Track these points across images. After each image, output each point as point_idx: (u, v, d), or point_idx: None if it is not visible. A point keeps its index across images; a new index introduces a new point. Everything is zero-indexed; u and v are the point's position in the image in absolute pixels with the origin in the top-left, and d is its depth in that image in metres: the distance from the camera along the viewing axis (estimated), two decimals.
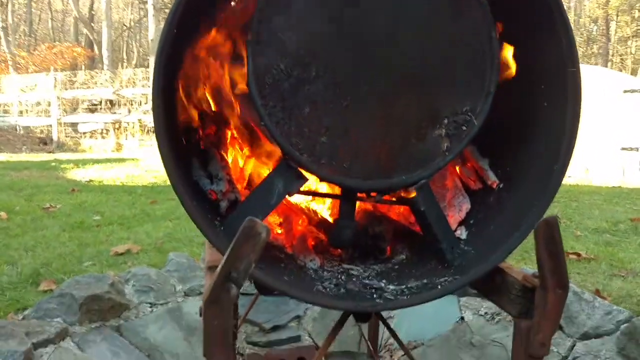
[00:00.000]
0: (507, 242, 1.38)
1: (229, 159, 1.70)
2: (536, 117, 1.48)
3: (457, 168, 1.66)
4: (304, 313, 2.93)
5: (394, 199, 1.48)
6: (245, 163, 1.75)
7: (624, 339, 2.22)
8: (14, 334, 2.10)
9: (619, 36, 31.40)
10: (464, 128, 1.39)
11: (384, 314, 2.94)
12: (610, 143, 8.97)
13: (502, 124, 1.57)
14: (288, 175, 1.34)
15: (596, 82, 8.86)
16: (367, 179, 1.36)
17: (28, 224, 4.52)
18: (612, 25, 31.34)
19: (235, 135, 1.72)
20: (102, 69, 20.41)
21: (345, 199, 1.46)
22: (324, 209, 1.80)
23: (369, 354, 2.58)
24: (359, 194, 1.46)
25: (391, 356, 2.78)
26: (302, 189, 1.59)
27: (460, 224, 1.57)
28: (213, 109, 1.66)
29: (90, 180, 7.31)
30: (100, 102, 15.46)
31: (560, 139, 1.40)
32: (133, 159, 9.78)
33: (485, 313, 2.74)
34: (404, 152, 1.37)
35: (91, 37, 28.09)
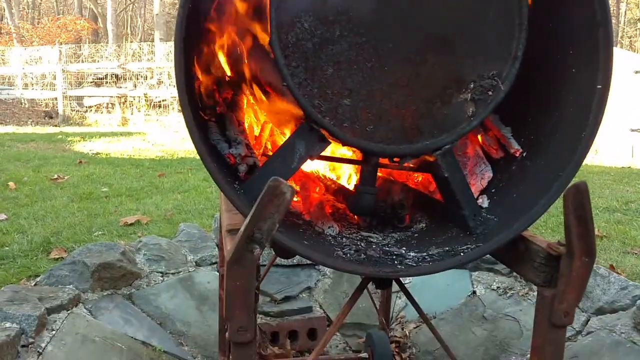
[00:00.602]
0: (531, 211, 1.35)
1: (246, 125, 1.69)
2: (564, 82, 1.44)
3: (479, 136, 1.63)
4: (315, 285, 2.94)
5: (413, 165, 1.45)
6: (262, 130, 1.73)
7: None
8: (27, 298, 2.10)
9: (629, 18, 30.93)
10: (490, 93, 1.36)
11: (394, 287, 2.94)
12: (620, 124, 8.87)
13: (526, 90, 1.54)
14: (310, 138, 1.32)
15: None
16: (390, 143, 1.33)
17: (37, 194, 4.53)
18: (622, 6, 30.83)
19: (252, 100, 1.70)
20: (107, 42, 20.28)
21: (367, 165, 1.44)
22: (342, 177, 1.78)
23: (380, 326, 2.58)
24: (381, 160, 1.43)
25: (402, 329, 2.78)
26: (322, 154, 1.58)
27: (482, 192, 1.55)
28: (228, 73, 1.63)
29: (98, 153, 7.31)
30: (106, 76, 15.36)
31: (589, 104, 1.36)
32: (139, 133, 9.76)
33: (498, 287, 2.74)
34: (428, 117, 1.34)
35: (95, 11, 27.88)
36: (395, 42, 1.30)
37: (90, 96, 14.94)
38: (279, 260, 2.99)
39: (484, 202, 1.51)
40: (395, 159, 1.38)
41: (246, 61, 1.52)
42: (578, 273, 1.22)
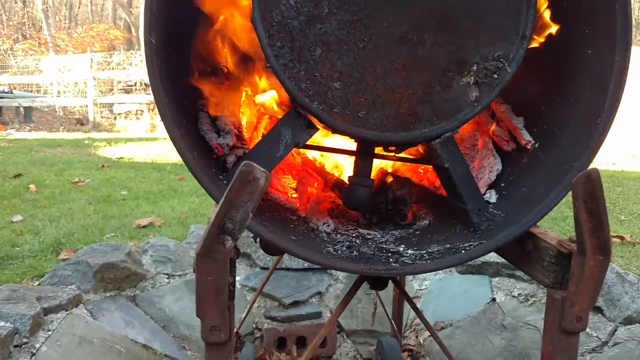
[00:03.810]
0: (541, 204, 1.24)
1: (242, 116, 1.62)
2: (578, 67, 1.33)
3: (490, 128, 1.53)
4: (326, 290, 2.84)
5: (412, 155, 1.36)
6: (259, 120, 1.66)
7: None
8: (25, 298, 2.06)
9: None
10: (496, 76, 1.25)
11: (410, 292, 2.83)
12: None
13: (539, 76, 1.44)
14: (297, 125, 1.23)
15: None
16: (385, 130, 1.24)
17: (56, 197, 4.55)
18: None
19: (250, 92, 1.64)
20: (138, 51, 20.66)
21: (361, 154, 1.35)
22: (345, 171, 1.70)
23: (392, 333, 2.47)
24: (376, 149, 1.34)
25: (417, 337, 2.66)
26: (314, 143, 1.50)
27: (490, 187, 1.44)
28: (226, 60, 1.57)
29: (121, 158, 7.36)
30: (135, 83, 15.63)
31: (605, 89, 1.25)
32: (165, 138, 9.83)
33: (519, 294, 2.60)
34: (427, 102, 1.24)
35: (129, 20, 28.50)
36: (390, 20, 1.20)
37: (120, 103, 15.21)
38: (289, 264, 2.91)
39: (491, 196, 1.40)
40: (391, 148, 1.30)
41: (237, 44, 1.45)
42: (591, 273, 1.10)
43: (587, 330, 2.23)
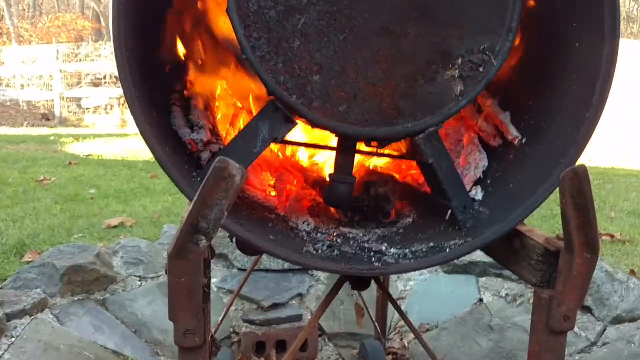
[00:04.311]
0: (528, 201, 1.26)
1: (217, 110, 1.62)
2: (566, 59, 1.35)
3: (476, 123, 1.55)
4: (307, 291, 2.85)
5: (395, 151, 1.37)
6: (236, 115, 1.66)
7: None
8: None
9: None
10: (481, 69, 1.26)
11: (394, 293, 2.84)
12: None
13: (525, 70, 1.46)
14: (274, 119, 1.23)
15: (637, 59, 8.53)
16: (367, 125, 1.24)
17: (19, 196, 4.48)
18: None
19: (225, 85, 1.63)
20: (108, 42, 20.42)
21: (341, 150, 1.36)
22: (326, 167, 1.70)
23: (375, 336, 2.48)
24: (357, 144, 1.35)
25: (401, 339, 2.68)
26: (295, 139, 1.50)
27: (476, 183, 1.46)
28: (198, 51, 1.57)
29: (89, 155, 7.29)
30: (105, 76, 15.43)
31: (593, 82, 1.27)
32: (136, 134, 9.73)
33: (506, 295, 2.63)
34: (410, 96, 1.25)
35: (97, 10, 28.13)
36: (371, 10, 1.21)
37: (88, 97, 15.01)
38: (268, 264, 2.91)
39: (477, 193, 1.42)
40: (373, 144, 1.30)
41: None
42: (579, 271, 1.12)
43: (576, 330, 2.27)
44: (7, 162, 6.26)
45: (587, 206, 1.06)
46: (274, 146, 1.59)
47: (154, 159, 1.17)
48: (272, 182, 1.60)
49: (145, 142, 1.15)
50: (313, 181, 1.59)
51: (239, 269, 2.90)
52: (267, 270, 2.90)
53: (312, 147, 1.51)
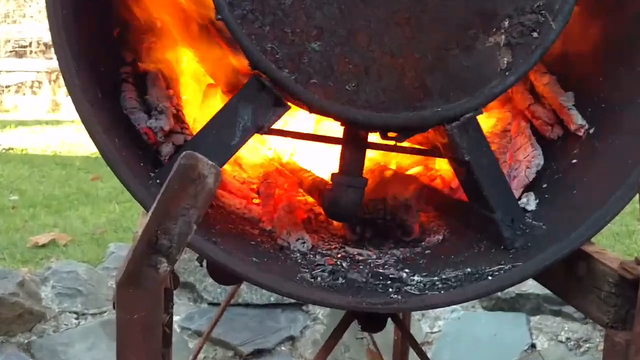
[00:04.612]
0: (597, 212, 1.27)
1: (183, 89, 1.64)
2: None
3: (528, 107, 1.56)
4: (301, 333, 2.86)
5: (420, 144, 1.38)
6: (207, 93, 1.67)
7: None
8: None
9: None
10: (535, 35, 1.27)
11: (418, 336, 2.86)
12: None
13: (594, 37, 1.47)
14: (259, 101, 1.24)
15: None
16: (383, 109, 1.25)
17: None
18: None
19: (193, 58, 1.65)
20: None
21: (349, 143, 1.37)
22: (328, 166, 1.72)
23: None
24: (369, 135, 1.37)
25: None
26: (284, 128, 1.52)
27: (528, 188, 1.48)
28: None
29: (10, 149, 7.31)
30: (31, 43, 15.50)
31: None
32: (74, 121, 9.74)
33: (568, 339, 2.65)
34: (440, 70, 1.26)
35: None
36: None
37: (9, 71, 15.06)
38: (248, 297, 2.92)
39: (529, 202, 1.44)
40: (390, 134, 1.31)
41: None
42: None
43: None
44: None
45: None
46: (259, 138, 1.59)
47: (96, 155, 1.18)
48: (256, 186, 1.61)
49: (87, 130, 1.16)
50: (310, 185, 1.60)
51: (210, 304, 2.90)
52: (247, 305, 2.90)
53: (309, 140, 1.52)
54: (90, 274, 2.87)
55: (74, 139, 7.96)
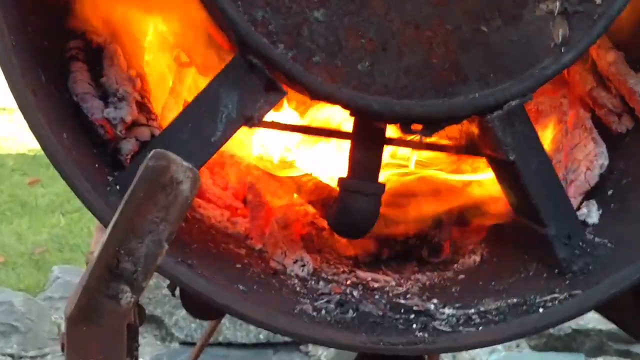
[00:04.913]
0: None
1: (149, 69, 1.64)
2: None
3: (589, 92, 1.57)
4: None
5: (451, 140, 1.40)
6: (180, 75, 1.68)
7: None
8: None
9: None
10: (598, 1, 1.29)
11: None
12: None
13: None
14: (247, 85, 1.25)
15: None
16: (404, 96, 1.26)
17: None
18: None
19: (162, 29, 1.66)
20: None
21: (361, 139, 1.38)
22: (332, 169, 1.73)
23: None
24: (387, 128, 1.38)
25: None
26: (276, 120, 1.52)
27: (589, 196, 1.49)
28: None
29: None
30: None
31: None
32: (5, 109, 9.76)
33: None
34: (478, 46, 1.28)
35: None
36: None
37: None
38: (232, 335, 2.93)
39: (590, 213, 1.45)
40: (413, 127, 1.32)
41: None
42: None
43: None
44: None
45: None
46: (247, 131, 1.60)
47: (36, 152, 1.19)
48: (242, 194, 1.62)
49: (27, 122, 1.16)
50: (311, 192, 1.61)
51: (183, 343, 2.91)
52: (230, 345, 2.91)
53: (310, 134, 1.53)
54: (28, 306, 2.87)
55: (7, 132, 7.98)
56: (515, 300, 1.31)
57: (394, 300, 1.37)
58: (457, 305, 1.34)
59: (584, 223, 1.42)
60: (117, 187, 1.25)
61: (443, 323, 1.29)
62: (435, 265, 1.53)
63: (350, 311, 1.31)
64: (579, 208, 1.46)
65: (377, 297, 1.38)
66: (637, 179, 1.45)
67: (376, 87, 1.25)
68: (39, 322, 2.83)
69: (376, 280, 1.46)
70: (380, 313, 1.32)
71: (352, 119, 1.37)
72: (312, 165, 1.69)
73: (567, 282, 1.30)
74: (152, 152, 0.97)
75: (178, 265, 1.18)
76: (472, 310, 1.31)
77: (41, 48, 1.31)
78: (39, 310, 2.88)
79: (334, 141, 1.60)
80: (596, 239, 1.38)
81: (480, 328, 1.26)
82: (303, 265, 1.44)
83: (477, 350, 2.97)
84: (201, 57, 1.53)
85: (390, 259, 1.56)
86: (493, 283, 1.40)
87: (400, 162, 1.67)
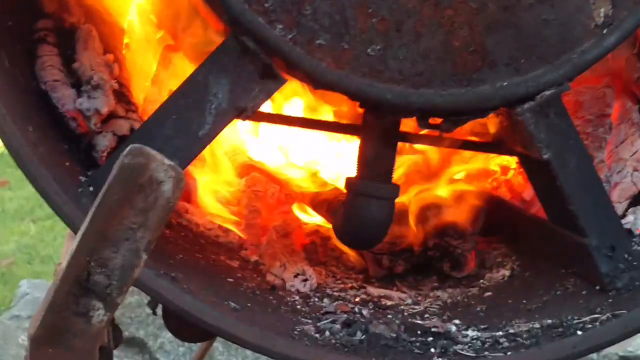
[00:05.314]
0: None
1: (128, 54, 1.65)
2: None
3: (636, 80, 1.57)
4: None
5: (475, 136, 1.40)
6: (164, 61, 1.68)
7: None
8: None
9: None
10: None
11: None
12: None
13: None
14: (240, 72, 1.25)
15: None
16: (422, 84, 1.26)
17: None
18: None
19: (144, 6, 1.66)
20: None
21: (372, 134, 1.38)
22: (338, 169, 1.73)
23: None
24: (402, 122, 1.38)
25: None
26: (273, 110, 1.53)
27: (635, 202, 1.49)
28: None
29: None
30: None
31: None
32: None
33: None
34: (506, 27, 1.27)
35: None
36: None
37: None
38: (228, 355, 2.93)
39: (637, 221, 1.44)
40: (432, 121, 1.32)
41: None
42: None
43: None
44: None
45: None
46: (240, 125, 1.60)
47: (4, 150, 1.19)
48: (235, 197, 1.62)
49: None
50: (314, 195, 1.61)
51: None
52: None
53: (312, 129, 1.52)
54: None
55: None
56: (549, 321, 1.30)
57: (409, 320, 1.37)
58: (482, 326, 1.34)
59: (630, 232, 1.41)
60: (91, 188, 1.25)
61: (466, 347, 1.29)
62: (457, 281, 1.53)
63: (359, 333, 1.30)
64: (624, 215, 1.46)
65: (390, 316, 1.38)
66: None
67: (389, 74, 1.25)
68: (4, 344, 2.83)
69: (389, 298, 1.46)
70: (394, 335, 1.31)
71: (361, 111, 1.37)
72: (315, 164, 1.69)
73: (610, 300, 1.30)
74: (128, 148, 0.96)
75: (159, 279, 1.18)
76: (500, 333, 1.31)
77: (4, 28, 1.31)
78: (4, 331, 2.88)
79: (340, 136, 1.60)
80: None
81: (509, 353, 1.26)
82: (305, 280, 1.44)
83: None
84: (189, 40, 1.53)
85: (406, 274, 1.56)
86: (524, 301, 1.40)
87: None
